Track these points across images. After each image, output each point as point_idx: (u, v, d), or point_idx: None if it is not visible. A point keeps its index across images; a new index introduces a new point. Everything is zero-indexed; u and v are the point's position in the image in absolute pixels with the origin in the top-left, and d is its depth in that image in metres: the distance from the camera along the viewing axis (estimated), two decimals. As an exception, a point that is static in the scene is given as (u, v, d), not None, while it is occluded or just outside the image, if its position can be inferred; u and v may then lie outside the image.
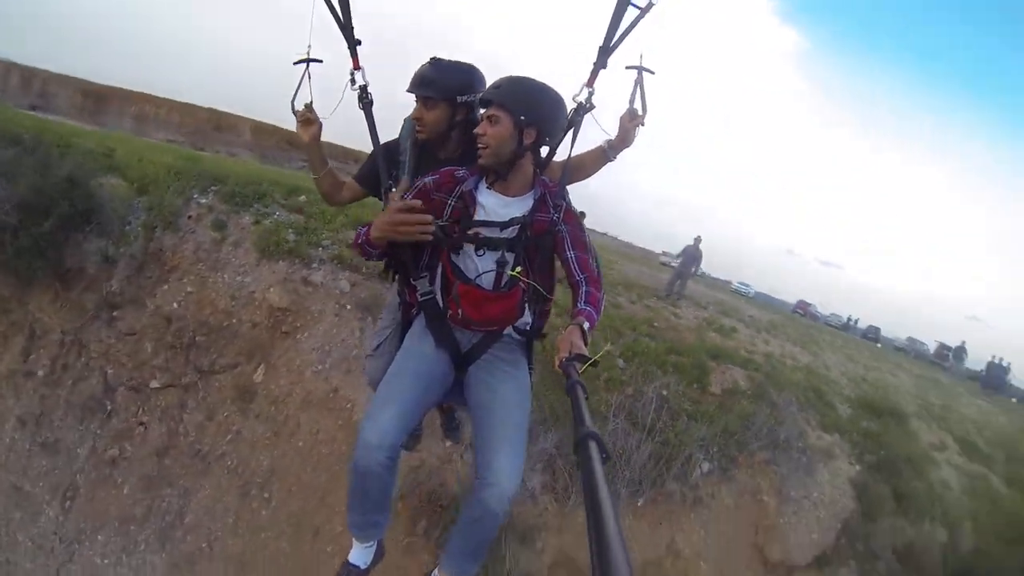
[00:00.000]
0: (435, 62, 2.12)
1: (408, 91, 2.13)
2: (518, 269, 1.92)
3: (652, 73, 2.19)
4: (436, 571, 2.02)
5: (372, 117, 2.13)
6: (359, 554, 2.09)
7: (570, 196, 2.07)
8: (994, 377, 18.89)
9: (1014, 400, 19.19)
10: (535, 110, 1.88)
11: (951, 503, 6.42)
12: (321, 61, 2.07)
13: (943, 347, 28.14)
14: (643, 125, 2.22)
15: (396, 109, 2.31)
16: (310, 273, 5.03)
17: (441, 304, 2.06)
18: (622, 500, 4.53)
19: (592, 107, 2.08)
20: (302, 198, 5.99)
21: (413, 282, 2.08)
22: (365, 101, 2.11)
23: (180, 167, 5.95)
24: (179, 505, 4.47)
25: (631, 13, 2.06)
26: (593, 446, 0.85)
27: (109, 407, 4.74)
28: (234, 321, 4.75)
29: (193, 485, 4.50)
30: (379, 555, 2.16)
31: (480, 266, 1.96)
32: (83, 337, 4.86)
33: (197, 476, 4.50)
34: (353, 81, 2.09)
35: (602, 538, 0.61)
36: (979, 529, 6.32)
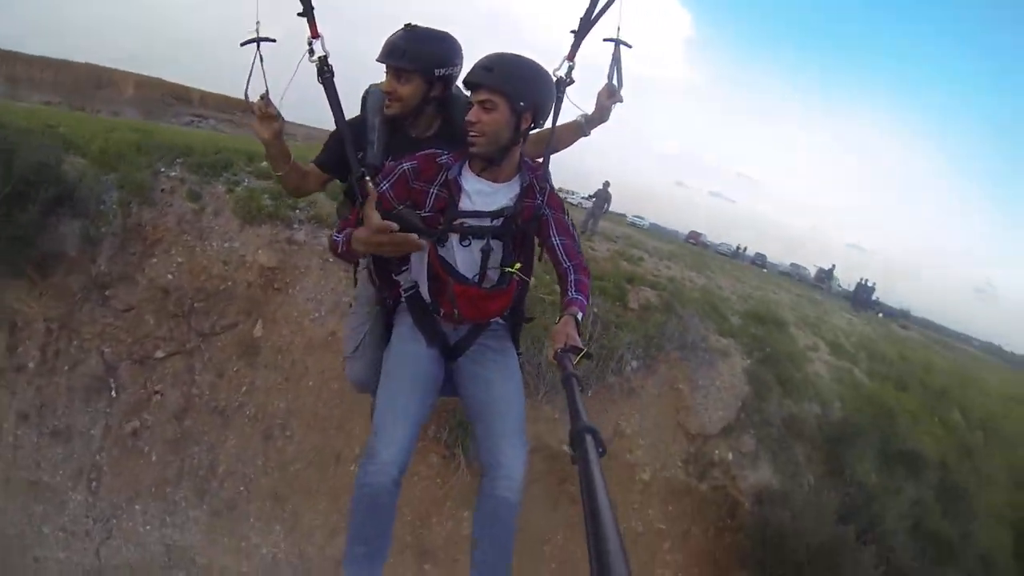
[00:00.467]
0: (410, 29, 2.00)
1: (379, 60, 2.01)
2: (517, 266, 1.94)
3: (630, 47, 2.18)
4: None
5: (335, 92, 1.94)
6: None
7: (550, 175, 2.08)
8: (861, 296, 22.27)
9: (880, 315, 22.77)
10: (532, 94, 1.83)
11: (822, 388, 8.17)
12: (274, 40, 1.88)
13: (821, 271, 32.18)
14: (621, 101, 2.25)
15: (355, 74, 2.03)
16: (292, 233, 5.74)
17: (427, 298, 2.04)
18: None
19: (572, 81, 2.07)
20: (264, 164, 6.57)
21: (395, 277, 2.06)
22: (326, 75, 1.91)
23: (139, 141, 6.33)
24: (209, 459, 5.09)
25: None
26: (589, 440, 0.86)
27: (113, 384, 5.12)
28: (229, 284, 5.42)
29: (218, 439, 5.12)
30: None
31: (465, 256, 1.94)
32: (72, 321, 5.13)
33: (220, 430, 5.14)
34: (311, 52, 1.88)
35: (599, 532, 0.63)
36: (845, 407, 8.10)
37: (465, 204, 1.92)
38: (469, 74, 1.83)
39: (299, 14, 1.85)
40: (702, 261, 14.80)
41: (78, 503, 4.92)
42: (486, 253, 1.92)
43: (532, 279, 2.11)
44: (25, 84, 35.41)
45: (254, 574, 5.03)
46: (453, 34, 2.08)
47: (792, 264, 39.87)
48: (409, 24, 2.01)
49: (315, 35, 1.87)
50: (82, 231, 5.29)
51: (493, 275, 1.97)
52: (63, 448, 4.97)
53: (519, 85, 1.80)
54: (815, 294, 21.05)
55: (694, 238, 38.30)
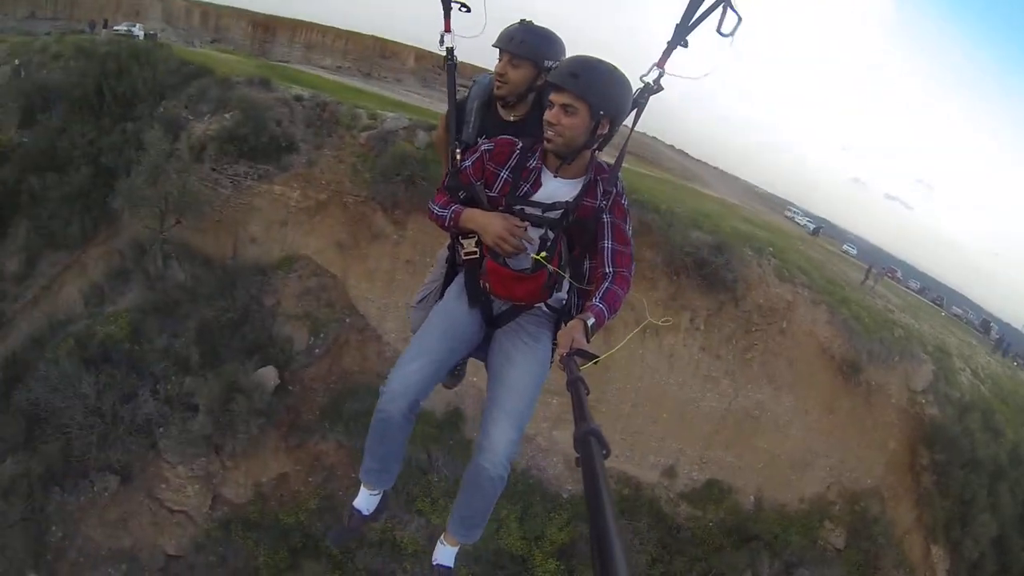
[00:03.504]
0: (525, 24, 2.38)
1: (496, 46, 2.37)
2: (542, 254, 2.11)
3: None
4: (443, 536, 2.41)
5: (453, 78, 2.48)
6: (364, 500, 2.49)
7: (622, 184, 2.26)
8: (1001, 344, 31.82)
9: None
10: (614, 103, 2.06)
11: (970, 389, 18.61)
12: (469, 10, 2.40)
13: (985, 321, 42.59)
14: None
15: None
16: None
17: (480, 264, 2.29)
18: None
19: (660, 89, 2.24)
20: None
21: (462, 240, 2.33)
22: (449, 62, 2.45)
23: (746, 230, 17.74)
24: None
25: None
26: (594, 443, 0.94)
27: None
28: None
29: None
30: (383, 507, 2.56)
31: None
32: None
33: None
34: (441, 41, 2.40)
35: (602, 532, 0.68)
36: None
37: (528, 192, 2.21)
38: (555, 75, 2.06)
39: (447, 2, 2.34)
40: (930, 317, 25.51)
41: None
42: (543, 242, 2.15)
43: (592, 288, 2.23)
44: (319, 49, 41.53)
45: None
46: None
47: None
48: (524, 20, 2.40)
49: (447, 29, 2.40)
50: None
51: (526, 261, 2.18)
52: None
53: (602, 94, 2.02)
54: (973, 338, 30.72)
55: (891, 273, 44.18)
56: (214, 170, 16.67)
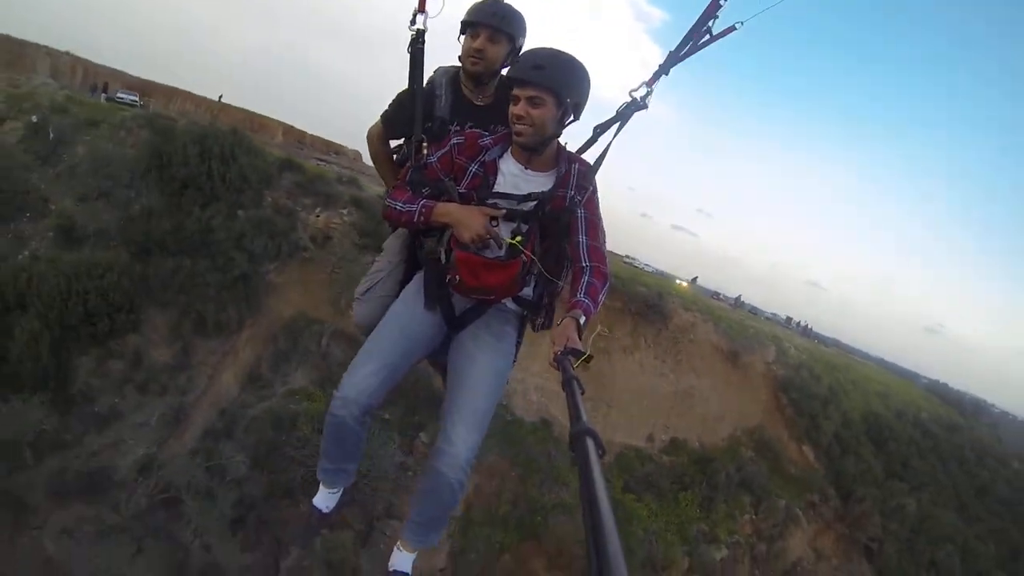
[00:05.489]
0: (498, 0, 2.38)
1: (477, 20, 2.37)
2: (518, 239, 2.09)
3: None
4: (399, 543, 2.31)
5: (420, 63, 2.35)
6: (323, 498, 2.49)
7: (595, 182, 2.29)
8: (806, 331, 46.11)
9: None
10: (577, 90, 2.11)
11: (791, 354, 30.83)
12: None
13: (788, 319, 56.43)
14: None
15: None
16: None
17: (444, 263, 2.23)
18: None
19: (646, 106, 2.27)
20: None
21: (423, 238, 2.30)
22: (417, 46, 2.33)
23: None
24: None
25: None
26: (590, 443, 0.94)
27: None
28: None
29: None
30: (342, 503, 2.55)
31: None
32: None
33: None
34: (413, 22, 2.30)
35: (599, 533, 0.69)
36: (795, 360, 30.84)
37: (499, 185, 2.20)
38: (517, 70, 2.09)
39: None
40: (760, 321, 38.24)
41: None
42: (514, 236, 2.11)
43: (562, 283, 2.31)
44: (192, 120, 36.58)
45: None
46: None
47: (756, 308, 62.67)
48: None
49: (422, 9, 2.29)
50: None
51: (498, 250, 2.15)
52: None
53: (567, 85, 2.07)
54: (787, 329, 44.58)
55: (715, 296, 53.00)
56: (344, 259, 17.72)
